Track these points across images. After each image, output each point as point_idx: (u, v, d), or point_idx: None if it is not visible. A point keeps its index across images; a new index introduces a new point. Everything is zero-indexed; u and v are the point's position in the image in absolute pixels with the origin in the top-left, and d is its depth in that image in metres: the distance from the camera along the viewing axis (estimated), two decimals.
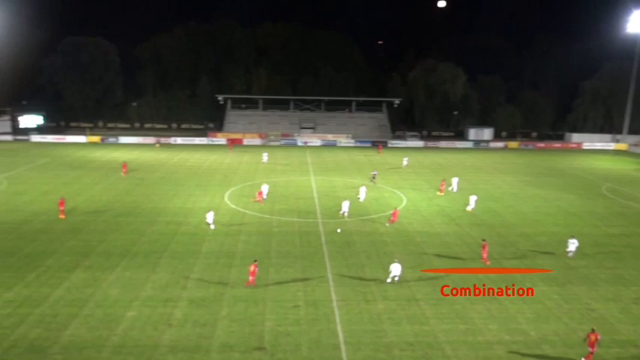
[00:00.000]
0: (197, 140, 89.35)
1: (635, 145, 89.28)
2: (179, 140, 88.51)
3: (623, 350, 22.87)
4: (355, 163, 70.64)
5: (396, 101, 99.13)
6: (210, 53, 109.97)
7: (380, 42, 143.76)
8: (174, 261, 31.97)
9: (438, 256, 33.94)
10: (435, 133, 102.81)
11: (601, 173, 66.49)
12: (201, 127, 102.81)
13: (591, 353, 21.68)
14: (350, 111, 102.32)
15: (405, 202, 48.37)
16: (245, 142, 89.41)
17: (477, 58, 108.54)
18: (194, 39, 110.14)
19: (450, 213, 44.58)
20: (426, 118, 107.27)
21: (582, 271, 31.82)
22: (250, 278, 28.20)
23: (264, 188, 47.66)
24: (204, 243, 35.41)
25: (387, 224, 40.27)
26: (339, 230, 37.98)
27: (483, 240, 33.79)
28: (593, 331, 22.00)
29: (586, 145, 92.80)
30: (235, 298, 27.03)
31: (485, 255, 32.64)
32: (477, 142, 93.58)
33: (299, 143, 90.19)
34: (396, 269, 29.05)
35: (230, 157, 73.34)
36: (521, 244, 36.93)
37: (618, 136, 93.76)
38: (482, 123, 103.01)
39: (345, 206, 42.05)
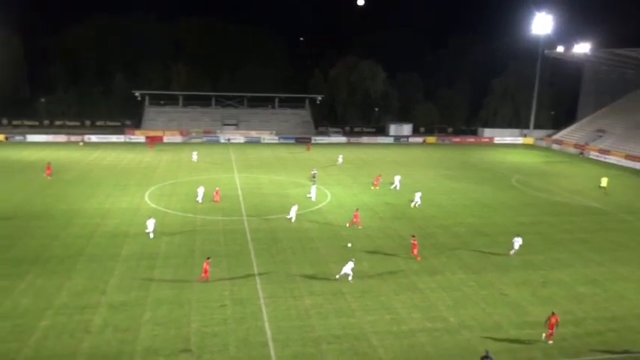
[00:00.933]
0: (114, 138, 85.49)
1: (541, 139, 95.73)
2: (94, 138, 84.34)
3: (534, 331, 24.44)
4: (280, 160, 70.56)
5: (319, 98, 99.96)
6: (125, 47, 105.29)
7: (301, 38, 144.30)
8: (92, 265, 30.46)
9: (363, 250, 34.63)
10: (357, 129, 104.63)
11: (511, 166, 70.69)
12: (117, 124, 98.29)
13: (551, 334, 23.35)
14: (273, 107, 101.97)
15: (329, 197, 48.94)
16: (165, 139, 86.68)
17: (396, 56, 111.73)
18: (106, 32, 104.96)
19: (373, 207, 45.64)
20: (348, 114, 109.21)
21: (496, 259, 33.72)
22: (203, 274, 28.29)
23: (200, 190, 45.62)
24: (125, 245, 34.01)
25: (348, 225, 39.66)
26: (349, 245, 35.10)
27: (413, 236, 34.35)
28: (553, 314, 23.58)
29: (497, 140, 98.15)
30: (159, 300, 26.20)
31: (416, 249, 33.19)
32: (397, 138, 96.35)
33: (222, 140, 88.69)
34: (348, 268, 29.24)
35: (150, 156, 70.83)
36: (440, 235, 38.49)
37: (525, 131, 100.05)
38: (401, 119, 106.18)
39: (293, 211, 40.48)
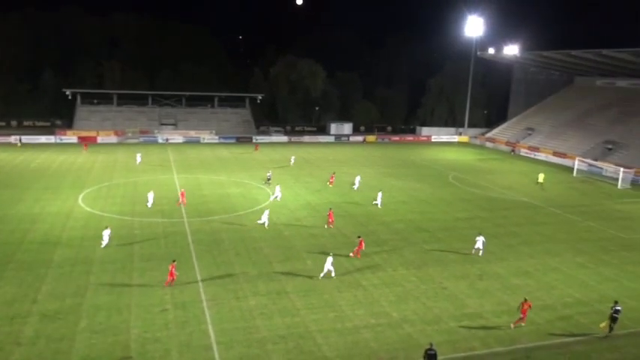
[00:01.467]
0: (43, 139, 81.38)
1: (475, 137, 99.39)
2: (22, 139, 79.83)
3: (472, 322, 25.38)
4: (220, 160, 69.51)
5: (259, 97, 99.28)
6: (55, 43, 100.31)
7: (240, 37, 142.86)
8: (22, 272, 28.87)
9: (307, 249, 34.68)
10: (298, 128, 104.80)
11: (448, 163, 72.96)
12: (47, 124, 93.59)
13: (522, 318, 24.73)
14: (212, 107, 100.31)
15: (272, 197, 48.66)
16: (99, 140, 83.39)
17: (336, 55, 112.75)
18: (34, 27, 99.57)
19: (316, 206, 45.82)
20: (288, 113, 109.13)
21: (435, 254, 34.70)
22: (169, 278, 27.59)
23: (150, 195, 43.73)
24: (57, 250, 32.45)
25: (327, 227, 39.35)
26: (351, 254, 33.88)
27: (359, 237, 34.41)
28: (525, 300, 24.90)
29: (434, 138, 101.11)
30: (96, 307, 25.18)
31: (359, 249, 33.39)
32: (338, 137, 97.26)
33: (160, 140, 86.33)
34: (328, 264, 29.35)
35: (83, 157, 67.92)
36: (381, 232, 39.16)
37: (461, 129, 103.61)
38: (342, 118, 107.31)
39: (265, 216, 39.36)
